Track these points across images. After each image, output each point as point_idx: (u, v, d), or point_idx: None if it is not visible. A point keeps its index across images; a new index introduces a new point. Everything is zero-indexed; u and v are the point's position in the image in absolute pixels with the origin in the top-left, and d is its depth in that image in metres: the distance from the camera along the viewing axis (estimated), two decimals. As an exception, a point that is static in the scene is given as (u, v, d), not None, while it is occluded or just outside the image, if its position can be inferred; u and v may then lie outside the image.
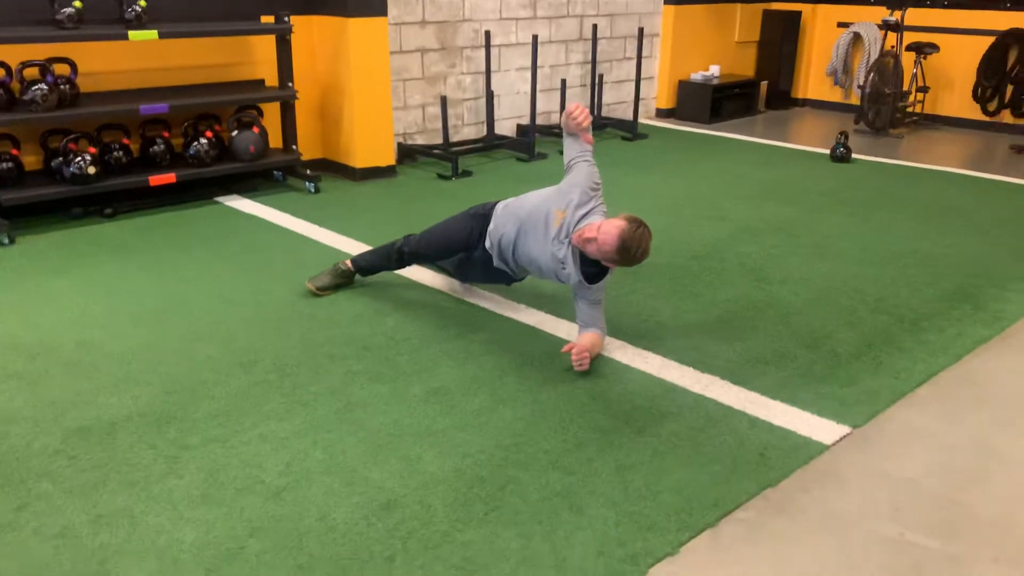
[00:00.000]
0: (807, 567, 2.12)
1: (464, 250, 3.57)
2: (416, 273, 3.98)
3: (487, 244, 3.41)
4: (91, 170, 4.55)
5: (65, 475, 2.42)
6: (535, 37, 6.24)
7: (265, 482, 2.40)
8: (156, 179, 4.79)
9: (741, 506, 2.33)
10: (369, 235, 4.49)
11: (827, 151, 6.76)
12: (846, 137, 6.51)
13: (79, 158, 4.53)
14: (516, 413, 2.79)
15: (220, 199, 5.18)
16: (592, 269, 3.14)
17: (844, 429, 2.72)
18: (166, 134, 5.01)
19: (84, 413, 2.74)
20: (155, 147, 4.96)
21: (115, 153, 4.78)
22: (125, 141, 4.86)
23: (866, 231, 4.78)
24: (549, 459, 2.53)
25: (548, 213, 3.20)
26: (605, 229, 2.96)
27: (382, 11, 5.47)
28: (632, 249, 2.95)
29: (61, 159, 4.57)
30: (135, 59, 4.97)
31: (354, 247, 4.32)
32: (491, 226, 3.40)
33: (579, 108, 3.23)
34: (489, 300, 3.72)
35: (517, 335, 3.39)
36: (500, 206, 3.45)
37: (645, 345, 3.29)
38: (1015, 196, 5.62)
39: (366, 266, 3.81)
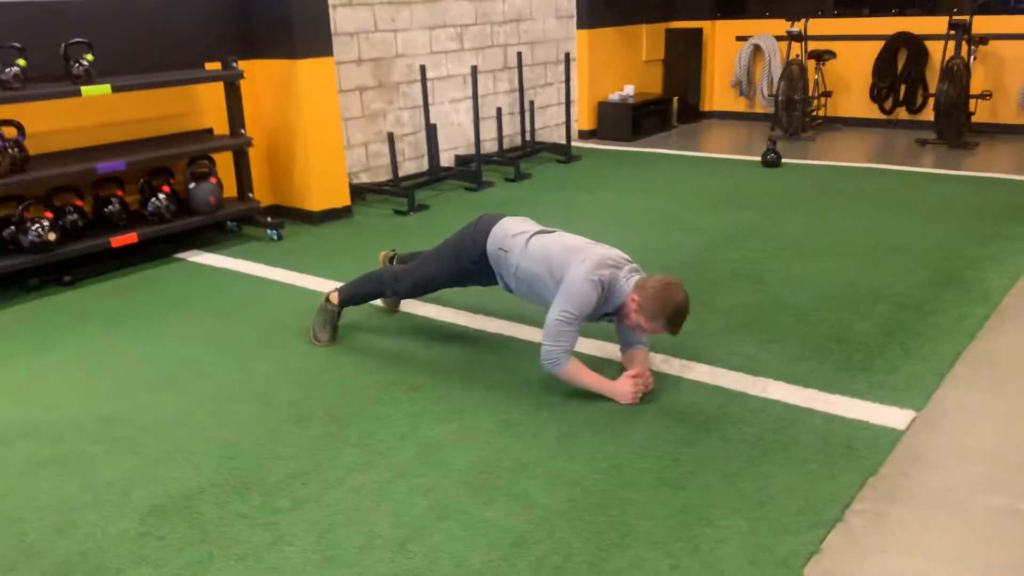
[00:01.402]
0: (943, 546, 2.20)
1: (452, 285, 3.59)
2: (417, 308, 3.91)
3: (503, 287, 3.39)
4: (51, 236, 4.26)
5: (163, 557, 2.24)
6: (474, 68, 6.26)
7: (382, 536, 2.29)
8: (118, 240, 4.53)
9: (855, 498, 2.40)
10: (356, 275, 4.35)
11: (751, 157, 7.06)
12: (775, 143, 6.82)
13: (36, 225, 4.23)
14: (597, 436, 2.78)
15: (181, 255, 4.94)
16: None
17: (910, 413, 2.84)
18: (120, 192, 4.75)
19: (150, 491, 2.55)
20: (110, 207, 4.69)
21: (70, 216, 4.49)
22: (78, 203, 4.57)
23: (829, 228, 5.02)
24: (654, 477, 2.53)
25: None
26: (650, 328, 2.96)
27: (328, 51, 5.38)
28: (682, 319, 2.95)
29: (14, 228, 4.26)
30: (79, 116, 4.69)
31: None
32: (511, 284, 3.32)
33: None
34: (503, 324, 3.69)
35: (557, 360, 3.38)
36: (491, 249, 3.30)
37: (687, 356, 3.34)
38: (937, 184, 6.02)
39: (354, 305, 3.72)
